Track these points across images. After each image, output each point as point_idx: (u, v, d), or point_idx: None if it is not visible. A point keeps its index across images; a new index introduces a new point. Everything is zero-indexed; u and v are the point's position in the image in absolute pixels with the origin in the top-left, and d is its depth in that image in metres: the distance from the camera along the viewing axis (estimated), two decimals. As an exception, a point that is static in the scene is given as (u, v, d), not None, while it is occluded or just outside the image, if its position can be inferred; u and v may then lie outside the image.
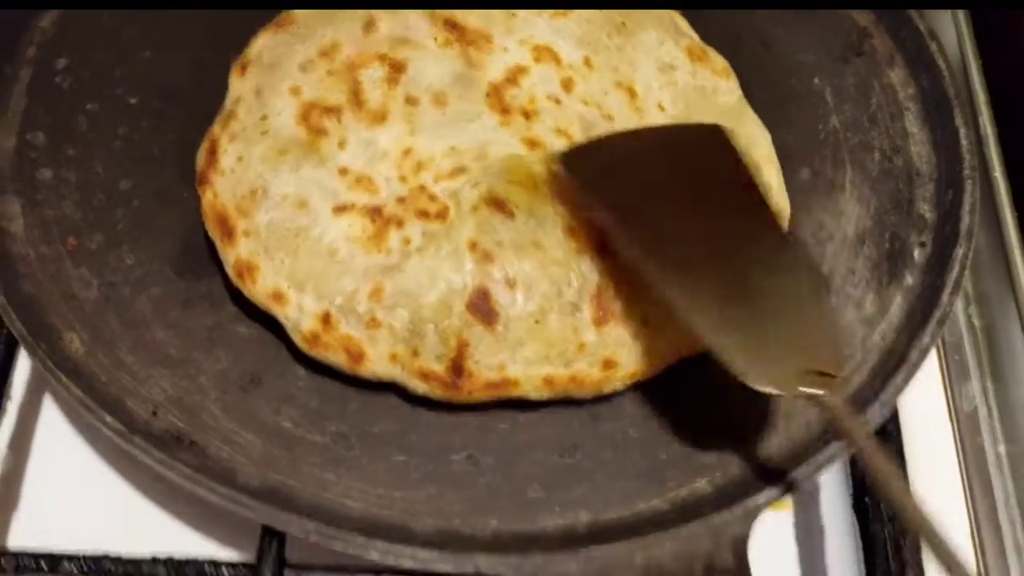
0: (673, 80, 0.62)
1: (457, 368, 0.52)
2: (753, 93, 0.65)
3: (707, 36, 0.66)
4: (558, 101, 0.58)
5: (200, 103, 0.60)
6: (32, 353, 0.52)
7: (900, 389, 0.55)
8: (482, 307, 0.52)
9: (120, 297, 0.55)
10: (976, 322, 0.64)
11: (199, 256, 0.56)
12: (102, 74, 0.62)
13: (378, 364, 0.52)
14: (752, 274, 0.52)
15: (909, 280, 0.60)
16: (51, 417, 0.58)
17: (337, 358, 0.52)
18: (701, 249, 0.52)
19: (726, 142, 0.56)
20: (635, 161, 0.55)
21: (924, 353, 0.56)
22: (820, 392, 0.49)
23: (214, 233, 0.54)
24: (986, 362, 0.62)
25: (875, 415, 0.54)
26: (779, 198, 0.60)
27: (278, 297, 0.53)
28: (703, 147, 0.57)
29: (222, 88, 0.60)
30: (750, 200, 0.54)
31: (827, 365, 0.50)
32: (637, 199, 0.53)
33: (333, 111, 0.56)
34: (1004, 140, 0.66)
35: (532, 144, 0.56)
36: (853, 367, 0.57)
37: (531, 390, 0.53)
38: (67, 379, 0.51)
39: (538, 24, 0.60)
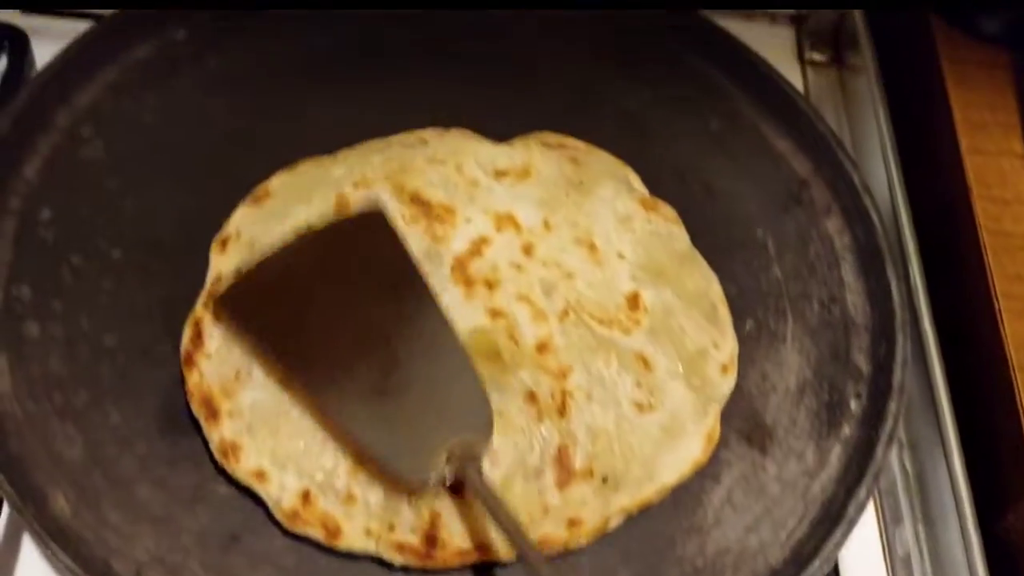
0: (631, 228, 0.66)
1: (431, 539, 0.55)
2: (699, 242, 0.69)
3: (654, 183, 0.70)
4: (519, 267, 0.62)
5: (183, 258, 0.63)
6: (20, 516, 0.54)
7: (839, 544, 0.59)
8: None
9: (105, 455, 0.57)
10: (909, 468, 0.68)
11: (181, 414, 0.59)
12: (86, 226, 0.64)
13: (354, 538, 0.55)
14: (401, 359, 0.55)
15: (846, 431, 0.64)
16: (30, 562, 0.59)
17: (315, 532, 0.55)
18: (354, 349, 0.55)
19: (383, 224, 0.59)
20: (290, 279, 0.57)
21: (861, 508, 0.60)
22: (462, 471, 0.53)
23: (199, 412, 0.57)
24: (918, 507, 0.67)
25: (817, 571, 0.58)
26: (731, 341, 0.64)
27: (260, 476, 0.56)
28: (361, 238, 0.59)
29: (204, 242, 0.63)
30: (405, 279, 0.58)
31: (475, 438, 0.54)
32: (295, 320, 0.56)
33: None
34: (932, 290, 0.71)
35: (495, 314, 0.60)
36: (796, 518, 0.61)
37: (502, 554, 0.56)
38: (55, 544, 0.53)
39: (497, 191, 0.65)
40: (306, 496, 0.55)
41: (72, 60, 0.69)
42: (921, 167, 0.77)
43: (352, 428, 0.55)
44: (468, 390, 0.56)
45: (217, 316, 0.58)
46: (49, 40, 0.74)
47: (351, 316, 0.56)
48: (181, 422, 0.58)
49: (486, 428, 0.55)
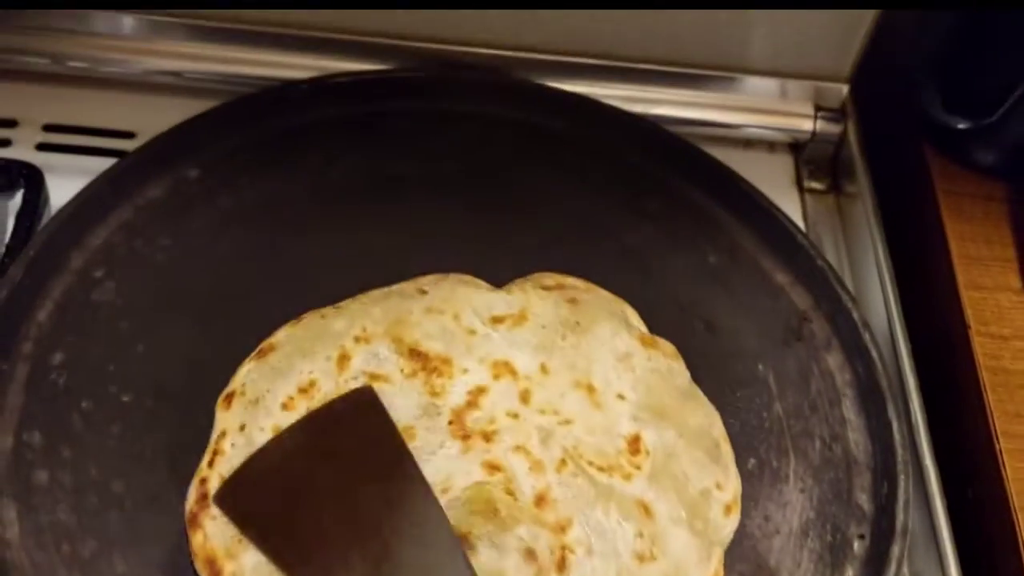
0: (631, 367, 0.66)
1: None
2: (700, 378, 0.70)
3: (654, 319, 0.71)
4: (516, 416, 0.62)
5: (191, 403, 0.64)
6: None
7: None
8: None
9: (111, 607, 0.57)
10: (913, 604, 0.68)
11: (186, 562, 0.59)
12: (97, 370, 0.65)
13: None
14: (392, 547, 0.56)
15: (850, 573, 0.64)
16: None
17: None
18: (348, 538, 0.56)
19: (374, 404, 0.61)
20: (285, 468, 0.59)
21: (866, 655, 0.60)
22: None
23: (202, 572, 0.57)
24: (923, 646, 0.67)
25: None
26: (734, 480, 0.65)
27: None
28: (350, 419, 0.60)
29: (212, 389, 0.64)
30: (394, 458, 0.58)
31: None
32: (291, 510, 0.57)
33: None
34: (934, 427, 0.72)
35: (492, 468, 0.60)
36: (799, 666, 0.61)
37: None
38: None
39: (494, 339, 0.65)
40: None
41: (87, 202, 0.70)
42: (920, 299, 0.78)
43: None
44: None
45: (220, 509, 0.58)
46: (64, 177, 0.76)
47: (344, 501, 0.57)
48: (185, 571, 0.59)
49: None
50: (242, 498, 0.58)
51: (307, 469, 0.59)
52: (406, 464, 0.59)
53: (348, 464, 0.59)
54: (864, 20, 0.82)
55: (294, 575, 0.56)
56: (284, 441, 0.59)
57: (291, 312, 0.67)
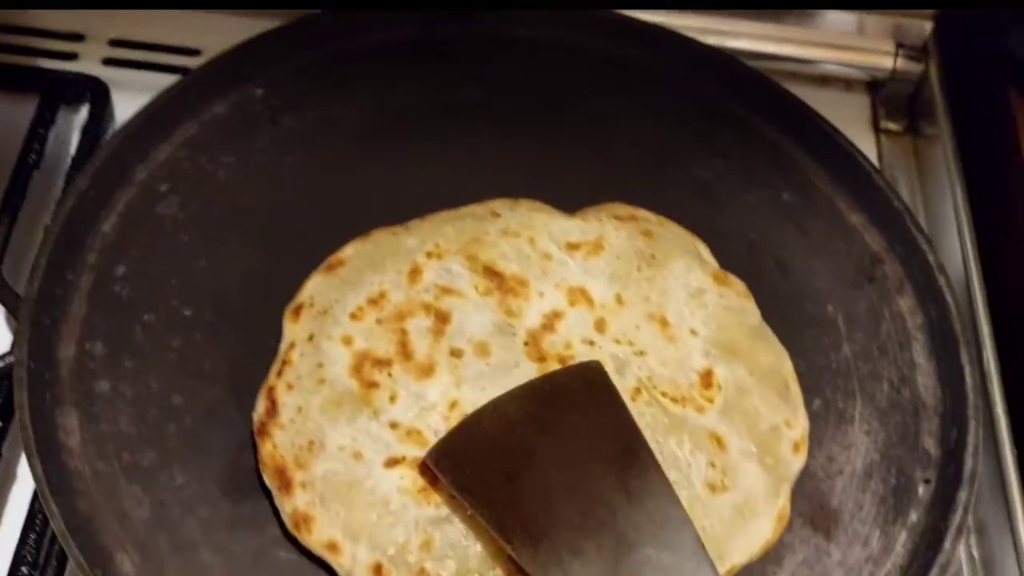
0: (703, 303, 0.66)
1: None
2: (769, 317, 0.68)
3: (724, 255, 0.70)
4: (592, 343, 0.62)
5: (250, 319, 0.64)
6: (87, 578, 0.54)
7: (905, 635, 0.58)
8: None
9: (170, 517, 0.57)
10: (975, 553, 0.67)
11: (244, 477, 0.59)
12: (158, 283, 0.65)
13: (425, 612, 0.55)
14: (634, 542, 0.53)
15: (913, 517, 0.63)
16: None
17: None
18: (580, 525, 0.53)
19: (605, 383, 0.59)
20: (507, 436, 0.56)
21: (927, 600, 0.59)
22: None
23: (272, 483, 0.57)
24: (985, 596, 0.65)
25: (880, 664, 0.57)
26: (802, 419, 0.64)
27: (333, 547, 0.56)
28: (578, 393, 0.58)
29: (271, 305, 0.64)
30: (628, 446, 0.56)
31: None
32: (513, 483, 0.55)
33: (384, 363, 0.60)
34: (1006, 375, 0.70)
35: None
36: (860, 610, 0.60)
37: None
38: (119, 608, 0.54)
39: (570, 265, 0.65)
40: (378, 569, 0.55)
41: (152, 116, 0.70)
42: (997, 244, 0.76)
43: None
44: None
45: (423, 471, 0.57)
46: (128, 92, 0.76)
47: (574, 483, 0.54)
48: (244, 485, 0.59)
49: None
50: (460, 461, 0.56)
51: (531, 441, 0.56)
52: (644, 456, 0.57)
53: (576, 443, 0.56)
54: (953, -48, 0.79)
55: (520, 554, 0.53)
56: (504, 407, 0.57)
57: (351, 232, 0.67)
